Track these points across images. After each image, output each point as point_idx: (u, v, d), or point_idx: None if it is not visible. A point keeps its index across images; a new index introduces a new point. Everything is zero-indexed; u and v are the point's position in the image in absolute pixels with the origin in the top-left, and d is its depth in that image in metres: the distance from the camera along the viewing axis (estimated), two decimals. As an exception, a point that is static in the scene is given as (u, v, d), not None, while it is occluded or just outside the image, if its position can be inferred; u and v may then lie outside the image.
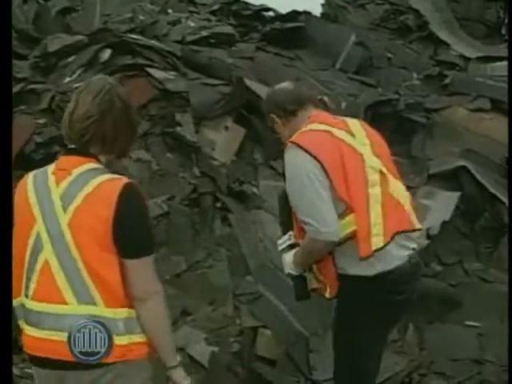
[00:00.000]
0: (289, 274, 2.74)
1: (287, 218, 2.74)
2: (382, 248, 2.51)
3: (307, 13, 6.51)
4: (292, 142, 2.59)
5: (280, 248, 2.78)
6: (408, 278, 2.63)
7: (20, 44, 6.26)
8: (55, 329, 2.08)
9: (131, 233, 2.05)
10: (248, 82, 5.17)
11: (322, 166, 2.52)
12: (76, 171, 2.08)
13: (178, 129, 4.85)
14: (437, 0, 7.21)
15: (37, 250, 2.09)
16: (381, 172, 2.61)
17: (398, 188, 2.67)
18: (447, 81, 6.28)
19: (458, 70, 6.51)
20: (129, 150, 2.24)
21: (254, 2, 7.16)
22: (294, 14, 6.53)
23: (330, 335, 2.91)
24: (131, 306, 2.07)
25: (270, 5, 7.11)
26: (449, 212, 4.85)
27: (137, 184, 2.13)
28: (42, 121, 4.94)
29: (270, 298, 3.99)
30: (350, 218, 2.52)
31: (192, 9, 6.78)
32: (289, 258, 2.72)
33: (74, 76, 5.34)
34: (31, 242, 2.10)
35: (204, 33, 5.86)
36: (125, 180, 2.07)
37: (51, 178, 2.10)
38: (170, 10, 6.56)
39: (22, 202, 2.13)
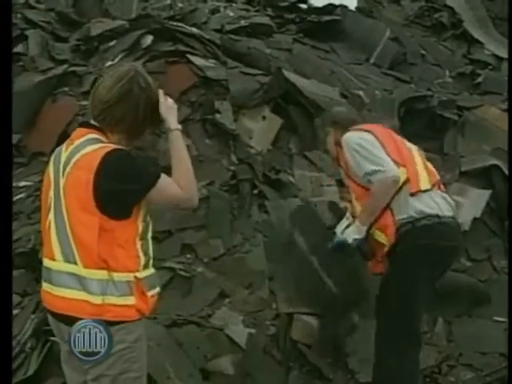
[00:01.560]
0: (353, 242, 3.19)
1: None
2: (430, 189, 3.15)
3: (344, 6, 6.56)
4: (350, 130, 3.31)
5: (340, 230, 3.31)
6: (454, 229, 3.22)
7: (60, 27, 6.38)
8: (46, 281, 2.32)
9: (128, 180, 2.19)
10: (286, 73, 5.25)
11: (375, 136, 3.18)
12: (78, 141, 2.29)
13: (217, 116, 4.94)
14: (472, -2, 7.25)
15: (48, 211, 2.32)
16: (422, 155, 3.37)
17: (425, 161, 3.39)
18: (479, 79, 6.35)
19: (491, 69, 6.56)
20: (139, 134, 2.37)
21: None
22: (331, 8, 6.60)
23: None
24: (110, 269, 2.22)
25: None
26: (479, 209, 4.92)
27: (124, 150, 2.24)
28: (84, 102, 5.06)
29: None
30: (401, 170, 3.11)
31: (229, -2, 6.87)
32: (352, 227, 3.22)
33: (116, 60, 5.45)
34: (47, 204, 2.33)
35: (243, 22, 5.94)
36: (110, 148, 2.23)
37: (63, 148, 2.35)
38: (208, -2, 6.65)
39: (48, 169, 2.38)
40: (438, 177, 3.33)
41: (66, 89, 5.21)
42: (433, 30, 6.99)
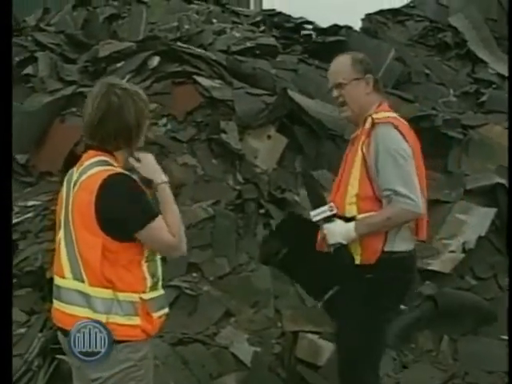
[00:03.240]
0: (334, 244, 2.80)
1: (317, 192, 3.04)
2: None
3: (348, 27, 6.64)
4: (390, 123, 2.80)
5: (317, 218, 2.84)
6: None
7: (69, 48, 6.49)
8: (56, 298, 2.36)
9: (120, 211, 2.22)
10: (291, 93, 5.31)
11: (412, 152, 2.79)
12: (86, 163, 2.34)
13: (223, 136, 4.99)
14: (475, 18, 7.30)
15: (58, 229, 2.39)
16: None
17: None
18: (484, 98, 6.38)
19: (495, 88, 6.60)
20: (137, 141, 2.38)
21: (295, 15, 7.34)
22: (336, 28, 6.67)
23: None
24: (115, 288, 2.25)
25: (310, 18, 7.29)
26: (485, 227, 4.94)
27: (125, 175, 2.27)
28: (92, 123, 5.12)
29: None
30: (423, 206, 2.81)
31: (235, 19, 6.96)
32: (341, 228, 2.79)
33: (123, 81, 5.52)
34: (59, 222, 2.41)
35: (248, 43, 6.02)
36: (113, 171, 2.27)
37: (75, 170, 2.40)
38: (214, 20, 6.74)
39: (61, 189, 2.45)
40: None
41: (74, 109, 5.28)
42: (437, 49, 7.05)
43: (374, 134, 2.80)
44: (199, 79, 5.30)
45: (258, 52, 5.96)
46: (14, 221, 4.61)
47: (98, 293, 2.25)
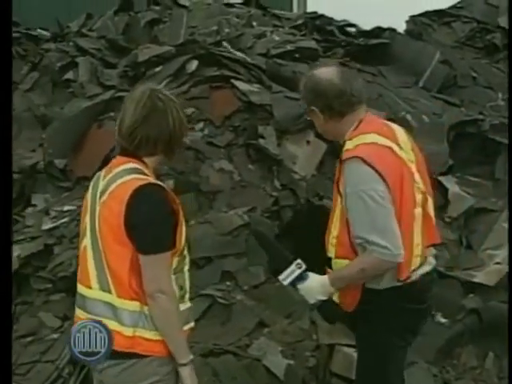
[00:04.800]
0: (315, 303, 2.59)
1: (277, 252, 2.66)
2: (418, 267, 2.58)
3: (392, 29, 6.46)
4: (357, 157, 2.46)
5: (288, 281, 2.57)
6: (429, 286, 2.69)
7: (110, 53, 6.51)
8: (81, 307, 2.29)
9: (140, 229, 2.16)
10: (331, 97, 5.17)
11: (387, 185, 2.45)
12: (116, 170, 2.26)
13: (261, 141, 4.90)
14: (526, 19, 7.02)
15: (83, 236, 2.32)
16: (423, 192, 2.64)
17: (431, 204, 2.71)
18: (534, 102, 6.10)
19: (546, 91, 6.31)
20: (174, 149, 2.34)
21: (338, 18, 7.19)
22: (378, 31, 6.51)
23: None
24: (142, 301, 2.18)
25: (353, 21, 7.13)
26: (532, 238, 4.70)
27: (157, 186, 2.21)
28: (130, 128, 5.10)
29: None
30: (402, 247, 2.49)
31: (276, 23, 6.86)
32: (317, 283, 2.55)
33: (161, 86, 5.49)
34: (83, 229, 2.33)
35: (288, 47, 5.91)
36: (144, 181, 2.20)
37: (102, 175, 2.33)
38: (254, 24, 6.65)
39: (86, 194, 2.40)
40: (437, 239, 2.76)
41: (112, 114, 5.27)
42: (485, 51, 6.78)
43: (343, 172, 2.51)
44: (237, 83, 5.22)
45: (297, 55, 5.85)
46: (50, 226, 4.63)
47: (125, 305, 2.19)
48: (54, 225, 4.58)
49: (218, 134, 5.04)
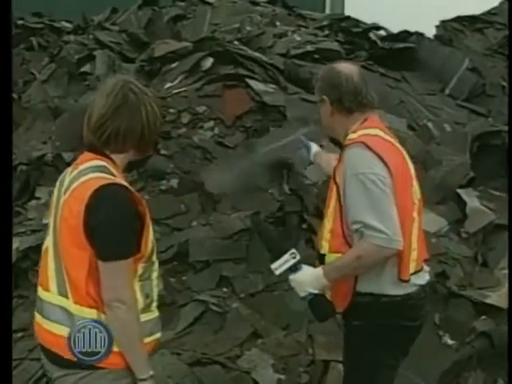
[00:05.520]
0: (306, 296, 2.45)
1: (273, 240, 2.55)
2: (413, 274, 2.46)
3: (419, 34, 6.21)
4: (360, 142, 2.38)
5: (280, 270, 2.44)
6: (423, 303, 2.54)
7: (130, 47, 6.42)
8: (38, 311, 2.16)
9: (98, 233, 2.00)
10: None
11: (390, 172, 2.35)
12: (81, 167, 2.10)
13: (272, 143, 4.73)
14: None
15: (46, 235, 2.19)
16: (419, 200, 2.54)
17: (423, 219, 2.59)
18: None
19: None
20: (146, 148, 2.18)
21: (366, 21, 6.97)
22: (405, 35, 6.27)
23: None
24: (100, 309, 2.03)
25: (381, 23, 6.89)
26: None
27: (120, 186, 2.04)
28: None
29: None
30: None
31: (301, 23, 6.68)
32: (310, 275, 2.41)
33: (175, 82, 5.37)
34: (48, 227, 2.20)
35: (309, 47, 5.72)
36: (108, 181, 2.02)
37: (69, 171, 2.18)
38: (278, 23, 6.48)
39: (54, 191, 2.23)
40: (428, 255, 2.61)
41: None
42: (518, 60, 6.49)
43: (344, 158, 2.41)
44: (251, 83, 5.06)
45: (317, 56, 5.65)
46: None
47: (81, 312, 2.04)
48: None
49: (229, 133, 4.88)
